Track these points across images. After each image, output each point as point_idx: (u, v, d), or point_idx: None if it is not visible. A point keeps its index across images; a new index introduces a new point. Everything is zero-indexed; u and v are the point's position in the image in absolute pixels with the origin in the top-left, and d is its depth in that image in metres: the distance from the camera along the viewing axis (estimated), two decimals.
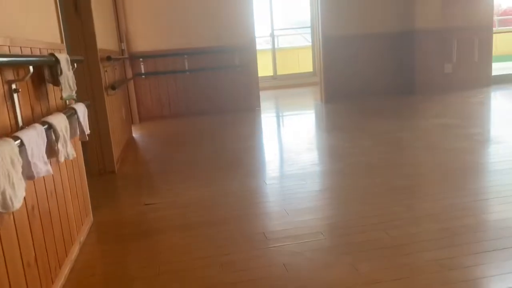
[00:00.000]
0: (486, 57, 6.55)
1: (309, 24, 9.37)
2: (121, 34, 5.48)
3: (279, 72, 9.32)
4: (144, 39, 5.72)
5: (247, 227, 2.25)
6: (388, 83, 6.42)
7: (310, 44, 9.38)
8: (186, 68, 5.87)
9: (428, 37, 6.11)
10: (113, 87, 3.72)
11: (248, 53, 6.01)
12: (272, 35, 9.26)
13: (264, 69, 9.14)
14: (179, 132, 5.09)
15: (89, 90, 3.15)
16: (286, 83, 9.06)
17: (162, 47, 5.79)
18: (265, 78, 8.86)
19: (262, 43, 9.54)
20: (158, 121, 5.80)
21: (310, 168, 3.18)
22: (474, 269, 1.71)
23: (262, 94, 6.37)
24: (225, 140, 4.40)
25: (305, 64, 9.75)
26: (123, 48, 5.47)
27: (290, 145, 4.11)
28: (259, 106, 6.20)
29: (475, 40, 6.39)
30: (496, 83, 6.69)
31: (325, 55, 6.18)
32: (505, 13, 12.44)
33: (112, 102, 3.67)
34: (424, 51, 6.16)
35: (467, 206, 2.30)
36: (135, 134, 5.05)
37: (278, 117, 5.87)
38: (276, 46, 9.43)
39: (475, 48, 6.42)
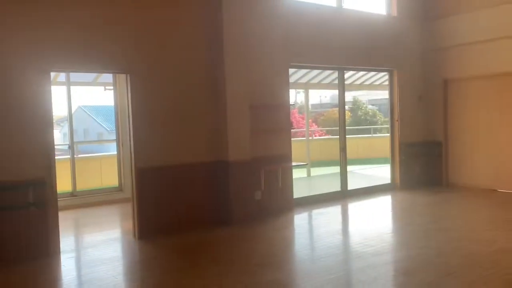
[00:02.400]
0: (288, 182, 7.13)
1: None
2: None
3: (79, 187, 8.28)
4: None
5: None
6: (207, 213, 6.26)
7: (115, 153, 8.75)
8: None
9: (239, 167, 6.29)
10: None
11: (45, 187, 5.05)
12: (72, 147, 8.29)
13: (60, 183, 7.98)
14: None
15: None
16: (87, 201, 8.06)
17: None
18: (62, 195, 7.69)
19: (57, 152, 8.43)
20: None
21: None
22: None
23: (60, 217, 5.33)
24: None
25: (109, 176, 8.98)
26: None
27: None
28: (58, 251, 5.16)
29: (279, 169, 6.92)
30: (298, 205, 7.29)
31: (138, 186, 5.70)
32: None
33: None
34: (236, 181, 6.29)
35: None
36: None
37: (81, 268, 4.95)
38: (75, 156, 8.44)
39: (279, 176, 6.93)
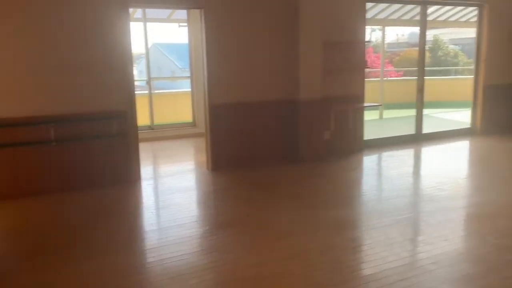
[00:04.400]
0: (359, 124, 6.99)
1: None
2: None
3: (156, 121, 8.75)
4: None
5: None
6: (275, 150, 6.39)
7: (189, 90, 9.03)
8: (53, 138, 5.01)
9: (309, 107, 6.25)
10: None
11: (127, 120, 5.41)
12: (149, 83, 8.68)
13: (139, 117, 8.46)
14: (51, 224, 4.23)
15: None
16: (164, 134, 8.53)
17: (20, 113, 4.85)
18: (141, 128, 8.19)
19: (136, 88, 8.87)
20: (16, 201, 4.79)
21: None
22: None
23: (139, 147, 5.75)
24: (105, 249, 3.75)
25: (184, 112, 9.35)
26: None
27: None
28: (139, 178, 5.60)
29: (350, 109, 6.78)
30: (368, 147, 7.18)
31: (211, 122, 5.90)
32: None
33: None
34: (306, 120, 6.29)
35: None
36: None
37: (160, 194, 5.36)
38: (152, 91, 8.85)
39: (350, 117, 6.81)
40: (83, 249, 3.63)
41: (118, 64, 5.29)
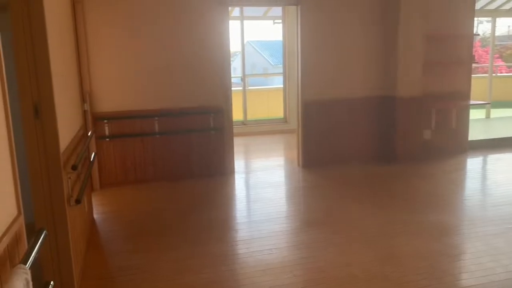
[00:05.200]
0: (464, 123, 6.49)
1: None
2: (84, 94, 4.92)
3: (249, 117, 8.96)
4: (110, 99, 5.18)
5: None
6: (368, 149, 6.19)
7: (281, 86, 9.10)
8: (156, 130, 5.37)
9: (408, 104, 5.94)
10: (74, 167, 3.08)
11: (223, 115, 5.61)
12: (244, 80, 8.91)
13: (233, 113, 8.75)
14: (152, 210, 4.56)
15: (48, 208, 2.62)
16: (256, 130, 8.71)
17: (130, 107, 5.28)
18: (235, 123, 8.45)
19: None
20: (122, 188, 5.24)
21: None
22: None
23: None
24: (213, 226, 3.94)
25: (275, 108, 9.46)
26: (86, 109, 4.90)
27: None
28: (233, 171, 5.79)
29: (454, 107, 6.32)
30: (473, 149, 6.64)
31: (303, 118, 5.88)
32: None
33: (75, 218, 3.10)
34: (404, 118, 5.99)
35: None
36: (96, 213, 4.48)
37: (252, 188, 5.48)
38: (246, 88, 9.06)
39: (453, 115, 6.35)
40: (179, 235, 3.85)
41: (217, 62, 5.49)
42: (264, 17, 9.43)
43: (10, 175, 1.70)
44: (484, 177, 5.78)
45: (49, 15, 2.63)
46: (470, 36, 6.35)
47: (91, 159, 4.06)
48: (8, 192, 1.65)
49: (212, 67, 5.49)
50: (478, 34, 13.95)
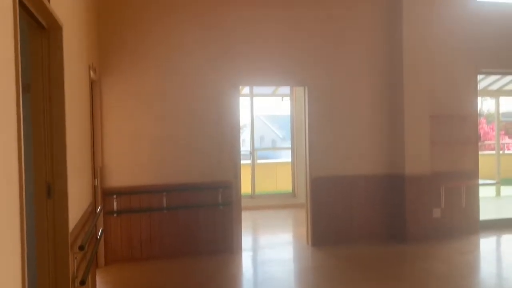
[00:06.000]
0: (473, 202, 6.42)
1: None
2: (96, 170, 5.00)
3: (257, 191, 8.96)
4: (120, 174, 5.26)
5: None
6: (378, 227, 6.09)
7: (289, 160, 9.19)
8: (164, 205, 5.38)
9: (417, 182, 5.94)
10: (81, 248, 3.03)
11: (232, 190, 5.63)
12: (252, 153, 9.04)
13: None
14: None
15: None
16: (264, 203, 8.67)
17: (140, 182, 5.33)
18: (243, 197, 8.42)
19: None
20: (127, 265, 5.14)
21: None
22: None
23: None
24: None
25: (284, 182, 9.48)
26: (96, 184, 4.96)
27: None
28: (240, 248, 5.67)
29: (463, 186, 6.29)
30: (484, 228, 6.49)
31: (312, 194, 5.87)
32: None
33: None
34: (413, 196, 5.95)
35: None
36: None
37: (259, 266, 5.34)
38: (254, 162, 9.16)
39: (462, 194, 6.30)
40: None
41: (227, 138, 5.62)
42: (273, 94, 9.78)
43: (19, 260, 1.70)
44: (498, 259, 5.60)
45: (68, 97, 2.75)
46: (475, 115, 6.48)
47: (98, 236, 4.04)
48: (15, 276, 1.64)
49: (222, 144, 5.60)
50: (482, 112, 14.22)
